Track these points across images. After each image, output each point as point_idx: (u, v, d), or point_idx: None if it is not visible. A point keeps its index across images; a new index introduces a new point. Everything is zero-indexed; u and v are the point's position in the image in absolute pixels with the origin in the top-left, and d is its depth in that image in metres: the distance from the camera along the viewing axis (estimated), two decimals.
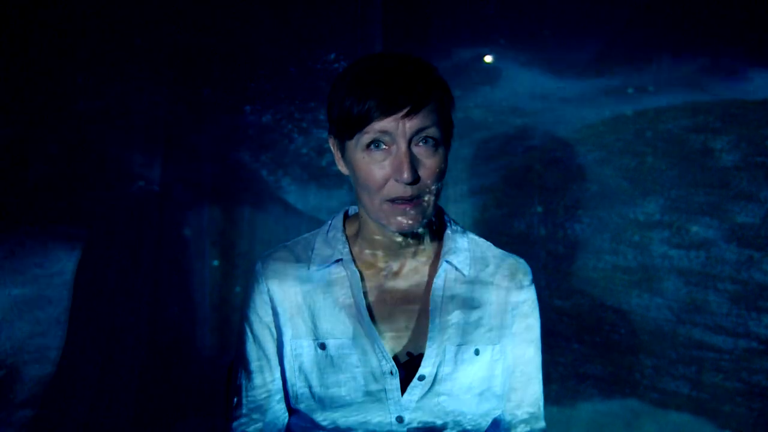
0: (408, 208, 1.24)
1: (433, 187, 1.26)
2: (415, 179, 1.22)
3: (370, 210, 1.28)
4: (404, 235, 1.31)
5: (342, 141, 1.28)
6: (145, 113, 2.49)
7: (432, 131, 1.23)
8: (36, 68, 2.24)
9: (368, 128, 1.21)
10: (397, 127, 1.21)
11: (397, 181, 1.22)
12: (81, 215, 2.34)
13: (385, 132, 1.21)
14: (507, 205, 2.83)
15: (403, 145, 1.21)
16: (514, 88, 2.83)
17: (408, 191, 1.22)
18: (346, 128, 1.24)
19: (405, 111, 1.20)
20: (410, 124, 1.21)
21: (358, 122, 1.22)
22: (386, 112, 1.20)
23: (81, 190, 2.35)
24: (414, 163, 1.22)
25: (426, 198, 1.26)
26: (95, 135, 2.39)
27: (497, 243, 1.46)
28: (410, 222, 1.26)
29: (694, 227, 2.57)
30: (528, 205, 2.78)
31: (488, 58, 2.83)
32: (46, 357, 2.21)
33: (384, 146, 1.23)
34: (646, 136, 2.66)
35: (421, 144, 1.23)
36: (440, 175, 1.26)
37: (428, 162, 1.24)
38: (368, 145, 1.23)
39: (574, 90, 2.79)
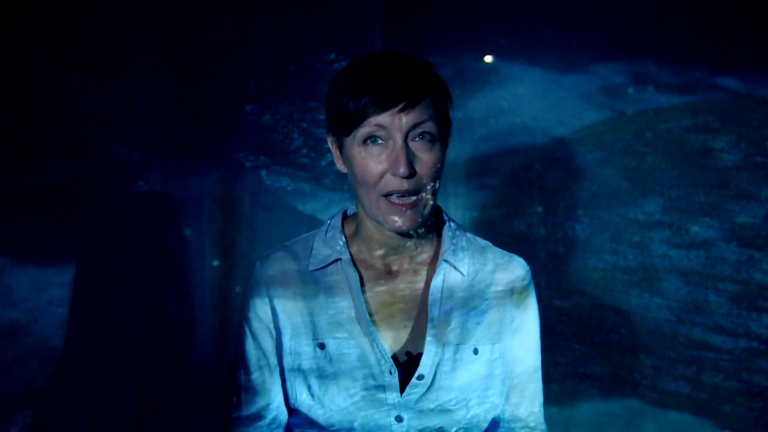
0: (405, 209, 1.24)
1: (430, 184, 1.25)
2: (412, 173, 1.22)
3: (367, 207, 1.28)
4: (402, 234, 1.31)
5: (340, 138, 1.28)
6: (145, 113, 2.49)
7: (428, 126, 1.23)
8: (36, 68, 2.24)
9: (365, 123, 1.22)
10: (393, 121, 1.21)
11: (393, 175, 1.22)
12: (81, 215, 2.34)
13: (381, 126, 1.21)
14: (507, 205, 2.83)
15: (399, 140, 1.22)
16: (514, 88, 2.83)
17: (404, 185, 1.22)
18: (344, 124, 1.24)
19: (401, 106, 1.20)
20: (406, 119, 1.21)
21: (354, 118, 1.22)
22: (382, 107, 1.20)
23: (81, 190, 2.35)
24: (410, 158, 1.22)
25: (423, 196, 1.26)
26: (95, 135, 2.39)
27: (497, 243, 1.46)
28: (407, 223, 1.26)
29: (694, 227, 2.57)
30: (528, 205, 2.78)
31: (488, 58, 2.83)
32: (46, 357, 2.21)
33: (380, 141, 1.23)
34: (646, 136, 2.66)
35: (417, 139, 1.24)
36: (437, 171, 1.26)
37: (425, 157, 1.24)
38: (365, 140, 1.23)
39: (575, 90, 2.78)
